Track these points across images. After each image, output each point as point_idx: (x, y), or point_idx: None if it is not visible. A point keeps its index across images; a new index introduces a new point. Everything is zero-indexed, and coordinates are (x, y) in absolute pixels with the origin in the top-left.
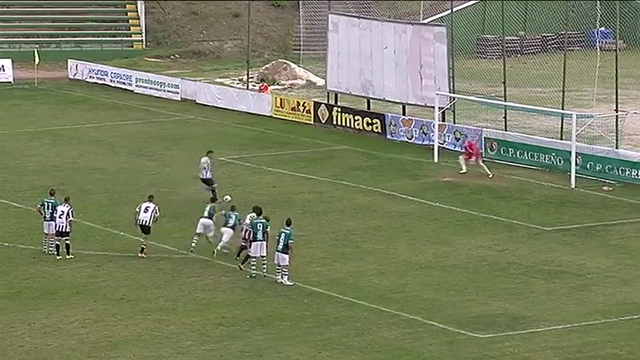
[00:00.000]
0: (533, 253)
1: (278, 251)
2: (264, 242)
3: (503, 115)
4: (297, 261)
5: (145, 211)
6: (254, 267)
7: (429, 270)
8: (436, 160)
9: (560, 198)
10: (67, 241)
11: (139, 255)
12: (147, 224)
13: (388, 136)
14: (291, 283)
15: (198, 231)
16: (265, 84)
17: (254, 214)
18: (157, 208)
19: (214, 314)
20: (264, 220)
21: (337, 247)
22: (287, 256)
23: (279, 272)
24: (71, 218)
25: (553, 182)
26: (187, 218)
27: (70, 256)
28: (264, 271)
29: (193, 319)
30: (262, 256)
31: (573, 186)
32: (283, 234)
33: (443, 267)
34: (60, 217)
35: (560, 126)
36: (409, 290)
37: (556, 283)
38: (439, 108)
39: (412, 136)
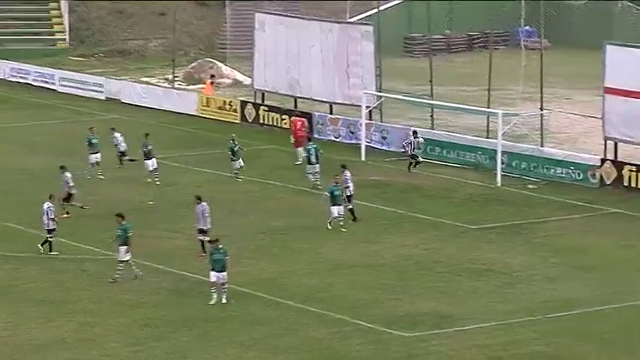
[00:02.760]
0: (460, 252)
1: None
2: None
3: (430, 114)
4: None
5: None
6: (119, 271)
7: (357, 269)
8: (363, 158)
9: (485, 196)
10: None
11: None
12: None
13: (315, 135)
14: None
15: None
16: (212, 80)
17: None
18: (50, 208)
19: (140, 315)
20: (128, 225)
21: (265, 247)
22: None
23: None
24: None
25: (479, 181)
26: (111, 219)
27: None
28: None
29: (118, 321)
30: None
31: (499, 184)
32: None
33: (370, 266)
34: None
35: (486, 124)
36: (336, 289)
37: (482, 281)
38: (366, 107)
39: (339, 135)
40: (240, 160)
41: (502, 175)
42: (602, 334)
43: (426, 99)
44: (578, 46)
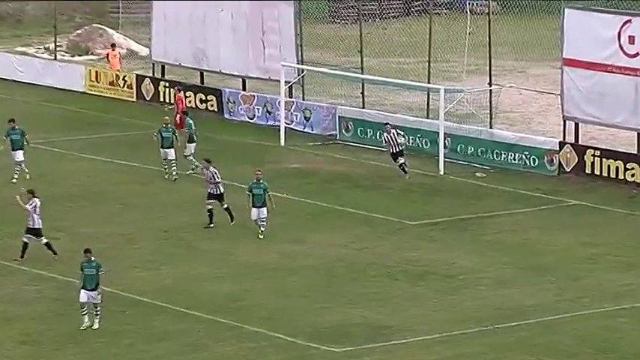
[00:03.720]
0: (397, 252)
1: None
2: None
3: (361, 91)
4: (116, 265)
5: None
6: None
7: (275, 273)
8: (282, 143)
9: (426, 186)
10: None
11: None
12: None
13: (226, 116)
14: None
15: None
16: (113, 50)
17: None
18: None
19: (16, 330)
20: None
21: (166, 248)
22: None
23: None
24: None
25: (419, 168)
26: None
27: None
28: None
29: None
30: None
31: (442, 172)
32: None
33: (291, 269)
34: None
35: (426, 102)
36: (251, 297)
37: (422, 286)
38: (285, 82)
39: (254, 115)
40: (171, 150)
41: (445, 161)
42: (563, 347)
43: (355, 73)
44: (532, 10)
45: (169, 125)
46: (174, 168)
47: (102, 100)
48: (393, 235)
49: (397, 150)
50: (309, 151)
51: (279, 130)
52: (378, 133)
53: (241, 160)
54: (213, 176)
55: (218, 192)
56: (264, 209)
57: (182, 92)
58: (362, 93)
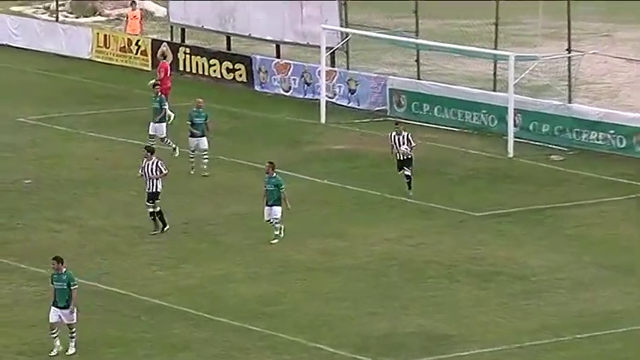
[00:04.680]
0: (458, 248)
1: None
2: None
3: (415, 58)
4: (130, 262)
5: None
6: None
7: (315, 273)
8: (323, 120)
9: (493, 172)
10: None
11: None
12: None
13: (257, 88)
14: None
15: None
16: (133, 10)
17: None
18: None
19: (14, 339)
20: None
21: (188, 243)
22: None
23: None
24: None
25: (484, 150)
26: None
27: None
28: None
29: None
30: None
31: (511, 154)
32: None
33: (334, 269)
34: None
35: (492, 72)
36: (287, 301)
37: (489, 289)
38: (327, 48)
39: (290, 88)
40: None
41: (515, 142)
42: None
43: (409, 37)
44: None
45: (201, 108)
46: (207, 161)
47: (112, 68)
48: (454, 229)
49: (402, 158)
50: (355, 129)
51: (319, 105)
52: (436, 109)
53: (274, 140)
54: (156, 170)
55: (155, 189)
56: (277, 208)
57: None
58: (417, 61)
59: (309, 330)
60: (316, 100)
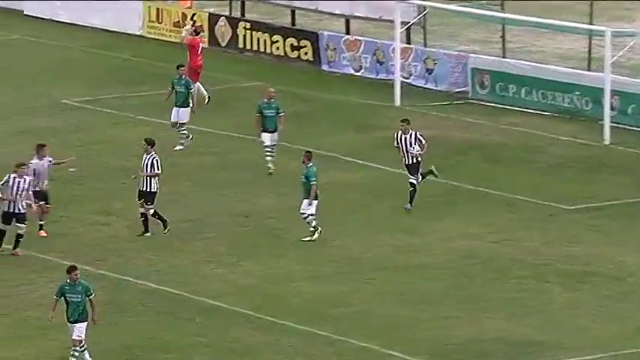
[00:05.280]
0: (548, 245)
1: None
2: None
3: (501, 34)
4: (183, 260)
5: None
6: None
7: (387, 272)
8: (398, 102)
9: (587, 160)
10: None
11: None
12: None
13: (324, 67)
14: None
15: None
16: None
17: None
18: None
19: (54, 343)
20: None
21: (247, 238)
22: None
23: None
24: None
25: (576, 136)
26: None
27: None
28: None
29: (22, 352)
30: None
31: (607, 141)
32: None
33: (408, 267)
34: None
35: (587, 50)
36: (356, 303)
37: (582, 290)
38: (402, 23)
39: (361, 67)
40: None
41: (612, 127)
42: None
43: (493, 10)
44: None
45: (272, 99)
46: (273, 156)
47: (164, 45)
48: (543, 224)
49: (410, 162)
50: (433, 112)
51: (393, 86)
52: (524, 91)
53: (343, 124)
54: (150, 167)
55: (147, 189)
56: (306, 202)
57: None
58: (502, 37)
59: (381, 335)
60: (390, 80)
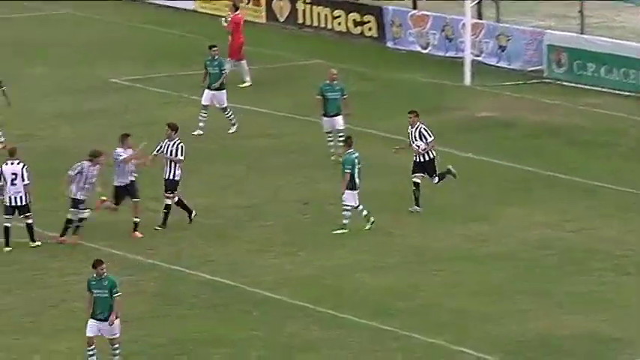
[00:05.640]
0: (628, 235)
1: None
2: None
3: (579, 9)
4: (239, 248)
5: (13, 181)
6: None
7: (457, 263)
8: (468, 82)
9: None
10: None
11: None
12: (23, 203)
13: (389, 44)
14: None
15: None
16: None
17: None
18: (27, 169)
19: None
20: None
21: (306, 226)
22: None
23: None
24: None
25: None
26: (59, 176)
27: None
28: None
29: (69, 345)
30: None
31: None
32: None
33: (479, 258)
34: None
35: None
36: (424, 296)
37: None
38: None
39: (428, 44)
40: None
41: None
42: None
43: None
44: None
45: (335, 81)
46: (337, 142)
47: (218, 21)
48: (623, 212)
49: (418, 159)
50: (506, 92)
51: (462, 65)
52: (603, 69)
53: (409, 105)
54: (176, 153)
55: (171, 176)
56: (346, 193)
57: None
58: (580, 12)
59: (450, 330)
60: (459, 58)
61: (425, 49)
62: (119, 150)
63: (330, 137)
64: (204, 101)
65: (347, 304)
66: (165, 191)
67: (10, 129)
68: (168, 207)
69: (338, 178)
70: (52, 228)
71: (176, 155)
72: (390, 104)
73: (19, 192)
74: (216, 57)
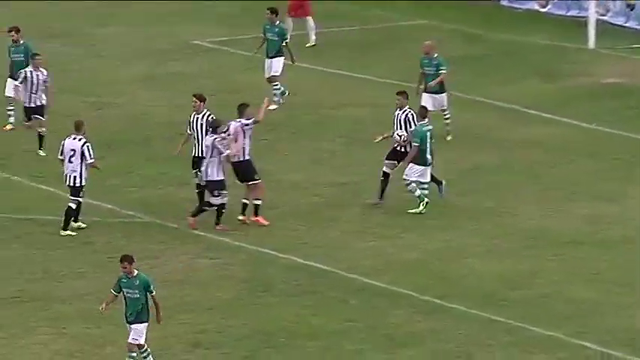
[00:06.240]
0: None
1: None
2: None
3: None
4: (335, 230)
5: (70, 158)
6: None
7: (579, 247)
8: (592, 44)
9: None
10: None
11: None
12: (75, 183)
13: (503, 2)
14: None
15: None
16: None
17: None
18: (88, 147)
19: (185, 326)
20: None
21: (409, 205)
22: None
23: None
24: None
25: None
26: (142, 151)
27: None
28: None
29: (148, 336)
30: None
31: None
32: None
33: (604, 242)
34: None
35: None
36: (541, 284)
37: None
38: None
39: (548, 2)
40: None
41: None
42: None
43: None
44: None
45: (431, 54)
46: (449, 121)
47: None
48: None
49: (396, 146)
50: (634, 57)
51: (586, 25)
52: None
53: (525, 71)
54: (206, 125)
55: (200, 154)
56: (411, 167)
57: None
58: None
59: (570, 322)
60: (582, 18)
61: (544, 7)
62: (244, 121)
63: (447, 114)
64: (266, 72)
65: (454, 293)
66: (194, 167)
67: (80, 96)
68: (200, 187)
69: (446, 151)
70: (128, 206)
71: (205, 130)
72: (504, 69)
73: (75, 171)
74: (277, 22)
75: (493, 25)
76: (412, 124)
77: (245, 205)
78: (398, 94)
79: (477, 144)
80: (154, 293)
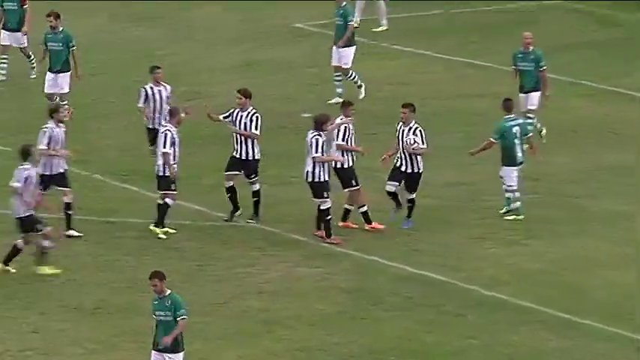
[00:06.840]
0: None
1: None
2: None
3: None
4: (452, 236)
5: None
6: None
7: None
8: None
9: None
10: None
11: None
12: (160, 173)
13: None
14: None
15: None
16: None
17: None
18: (172, 135)
19: (286, 343)
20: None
21: (536, 208)
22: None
23: None
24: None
25: None
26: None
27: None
28: None
29: (240, 353)
30: None
31: None
32: None
33: None
34: None
35: None
36: None
37: None
38: None
39: None
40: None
41: None
42: None
43: None
44: None
45: (531, 47)
46: (534, 121)
47: None
48: None
49: (404, 168)
50: None
51: None
52: None
53: None
54: (250, 125)
55: (245, 156)
56: (504, 169)
57: None
58: None
59: None
60: None
61: None
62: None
63: (531, 113)
64: (334, 61)
65: (586, 307)
66: (248, 177)
67: (172, 84)
68: (256, 194)
69: (578, 149)
70: (220, 208)
71: (250, 128)
72: (638, 56)
73: (159, 162)
74: (343, 4)
75: (629, 4)
76: (418, 141)
77: (347, 212)
78: (404, 106)
79: (613, 141)
80: (184, 318)
